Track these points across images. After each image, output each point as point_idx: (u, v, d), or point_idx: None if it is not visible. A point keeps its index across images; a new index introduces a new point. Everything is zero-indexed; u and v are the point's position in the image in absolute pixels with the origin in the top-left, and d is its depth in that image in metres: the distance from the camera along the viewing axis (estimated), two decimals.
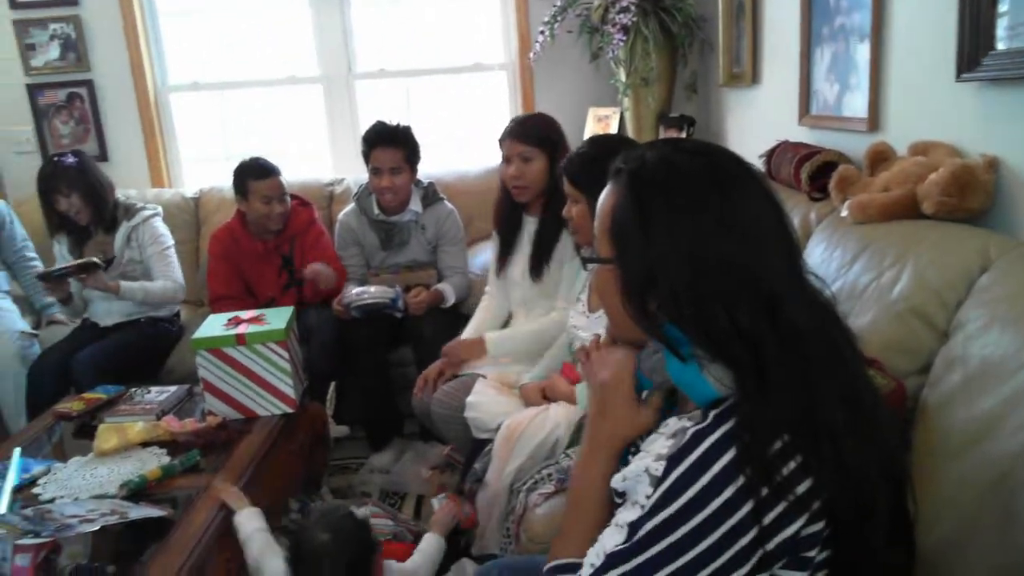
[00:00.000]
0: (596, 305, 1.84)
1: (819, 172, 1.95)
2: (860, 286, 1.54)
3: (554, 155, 2.18)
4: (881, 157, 1.76)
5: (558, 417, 1.84)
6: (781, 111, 2.43)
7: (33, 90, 3.62)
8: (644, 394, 0.97)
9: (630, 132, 3.23)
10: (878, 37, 1.82)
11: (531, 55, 3.26)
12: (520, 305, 2.35)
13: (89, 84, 3.62)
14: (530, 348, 2.19)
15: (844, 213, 1.71)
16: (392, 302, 2.68)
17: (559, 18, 3.16)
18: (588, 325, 1.85)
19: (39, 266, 3.08)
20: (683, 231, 0.82)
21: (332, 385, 2.50)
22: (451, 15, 3.71)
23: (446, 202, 2.95)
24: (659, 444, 0.85)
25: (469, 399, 2.05)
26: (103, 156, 3.64)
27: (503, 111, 3.76)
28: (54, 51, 3.59)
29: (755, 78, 2.68)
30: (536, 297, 2.27)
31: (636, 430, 0.96)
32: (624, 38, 2.92)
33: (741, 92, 2.88)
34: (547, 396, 1.95)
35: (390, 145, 2.74)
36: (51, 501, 1.74)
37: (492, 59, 3.75)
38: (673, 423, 0.86)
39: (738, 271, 0.81)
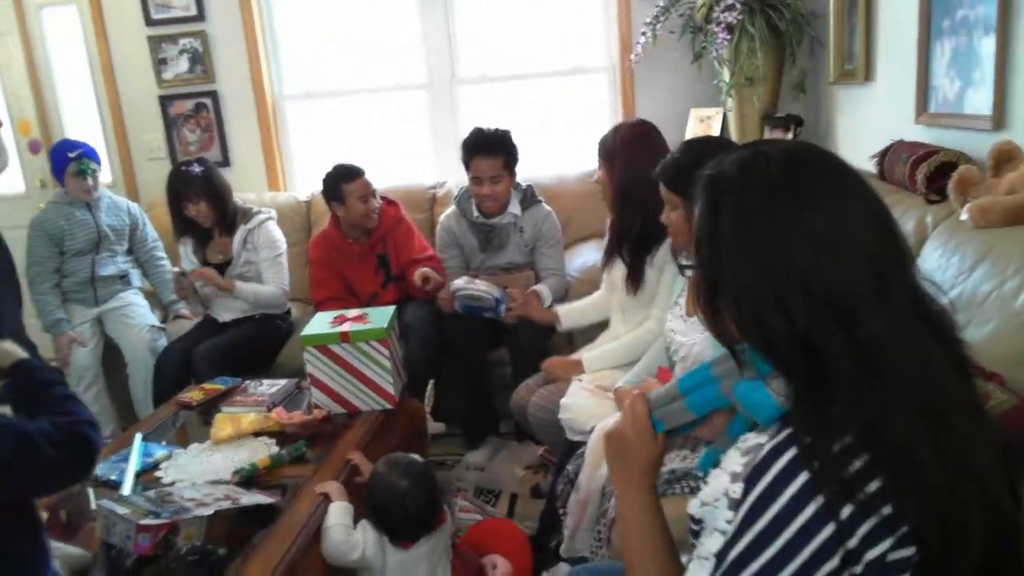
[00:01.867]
0: (693, 309, 1.81)
1: (937, 173, 1.84)
2: (981, 295, 1.45)
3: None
4: (1006, 157, 1.64)
5: None
6: (896, 109, 2.30)
7: (164, 101, 3.89)
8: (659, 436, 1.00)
9: (733, 133, 3.16)
10: (1005, 29, 1.71)
11: (632, 57, 3.23)
12: (618, 311, 2.33)
13: (214, 95, 3.87)
14: (625, 360, 2.19)
15: (964, 217, 1.62)
16: (496, 303, 2.68)
17: (661, 19, 3.12)
18: (686, 329, 1.82)
19: (167, 266, 3.32)
20: (751, 236, 0.80)
21: (431, 382, 2.57)
22: (552, 19, 3.73)
23: (544, 204, 2.98)
24: (733, 461, 0.83)
25: (563, 400, 2.06)
26: (225, 162, 3.87)
27: (603, 114, 3.75)
28: (183, 64, 3.85)
29: (868, 75, 2.56)
30: (634, 307, 2.25)
31: (656, 457, 1.00)
32: (729, 37, 2.85)
33: (853, 90, 2.75)
34: None
35: (489, 154, 2.78)
36: (171, 484, 1.86)
37: (593, 62, 3.75)
38: (752, 437, 0.84)
39: (807, 280, 0.77)
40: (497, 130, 2.83)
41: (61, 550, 1.60)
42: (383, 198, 3.02)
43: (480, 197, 2.84)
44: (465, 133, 2.91)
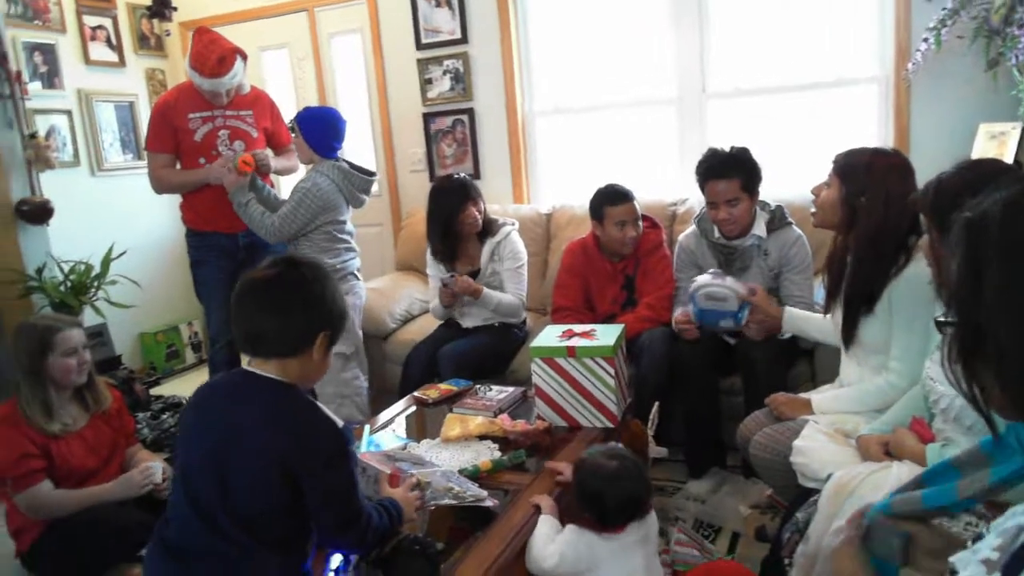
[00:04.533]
0: None
1: None
2: None
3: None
4: None
5: (901, 478, 1.60)
6: None
7: (427, 117, 4.23)
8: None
9: None
10: None
11: (910, 66, 2.91)
12: (849, 352, 2.09)
13: (470, 112, 4.12)
14: (859, 409, 1.96)
15: None
16: (739, 309, 2.48)
17: (948, 22, 2.77)
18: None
19: None
20: (1018, 289, 0.67)
21: (656, 404, 2.50)
22: (814, 28, 3.48)
23: (794, 227, 2.76)
24: (987, 545, 0.68)
25: (797, 443, 1.89)
26: (477, 175, 4.11)
27: (869, 129, 3.42)
28: (446, 84, 4.15)
29: None
30: (866, 351, 2.01)
31: None
32: None
33: None
34: (890, 452, 1.71)
35: (723, 176, 2.64)
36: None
37: (860, 73, 3.43)
38: (1009, 516, 0.69)
39: None
40: (733, 149, 2.67)
41: None
42: (647, 219, 3.00)
43: (717, 221, 2.72)
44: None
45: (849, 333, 2.00)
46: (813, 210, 2.11)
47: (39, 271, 3.47)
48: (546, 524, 1.74)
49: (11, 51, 3.60)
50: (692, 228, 2.92)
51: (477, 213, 3.15)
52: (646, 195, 3.46)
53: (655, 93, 3.82)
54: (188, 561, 1.40)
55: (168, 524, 1.44)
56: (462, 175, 3.24)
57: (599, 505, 1.69)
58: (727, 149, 2.68)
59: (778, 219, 2.75)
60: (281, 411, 1.40)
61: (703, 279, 2.53)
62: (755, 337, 2.50)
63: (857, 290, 1.95)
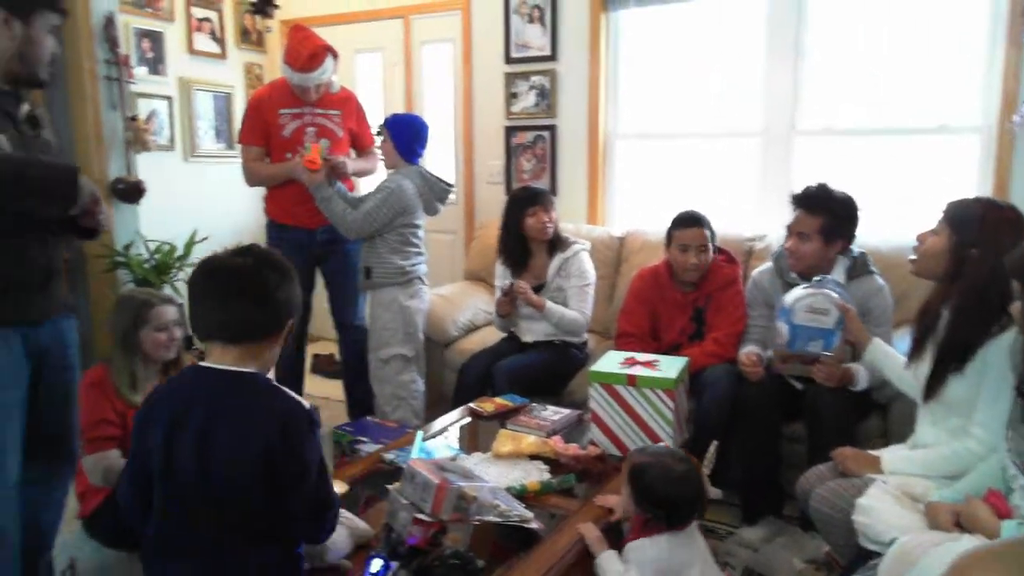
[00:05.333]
0: None
1: None
2: None
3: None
4: None
5: None
6: None
7: (509, 131, 4.25)
8: None
9: None
10: None
11: (1016, 118, 2.77)
12: (926, 412, 1.99)
13: (552, 128, 4.12)
14: (933, 473, 1.86)
15: None
16: (835, 327, 2.36)
17: None
18: None
19: None
20: None
21: (714, 444, 2.43)
22: (916, 72, 3.35)
23: (877, 277, 2.64)
24: None
25: (861, 501, 1.80)
26: (553, 191, 4.10)
27: (966, 180, 3.27)
28: (530, 99, 4.16)
29: None
30: (944, 413, 1.91)
31: None
32: None
33: None
34: (960, 523, 1.62)
35: (807, 210, 2.57)
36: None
37: (962, 121, 3.29)
38: None
39: None
40: (820, 187, 2.60)
41: (351, 521, 1.79)
42: (724, 254, 2.95)
43: (785, 249, 2.65)
44: (796, 186, 2.72)
45: (933, 388, 1.90)
46: (913, 257, 2.03)
47: (127, 248, 3.63)
48: (611, 560, 1.73)
49: (122, 36, 3.79)
50: (768, 265, 2.84)
51: (547, 220, 3.15)
52: (724, 228, 3.39)
53: (742, 125, 3.75)
54: (183, 557, 1.44)
55: (154, 524, 1.47)
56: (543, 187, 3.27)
57: (669, 507, 1.71)
58: (829, 189, 2.59)
59: (860, 266, 2.65)
60: (248, 401, 1.44)
61: (799, 291, 2.45)
62: (826, 382, 2.41)
63: (953, 344, 1.86)
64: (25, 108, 1.92)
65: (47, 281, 1.90)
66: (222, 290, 1.47)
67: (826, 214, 2.54)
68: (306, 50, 3.13)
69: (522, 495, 1.91)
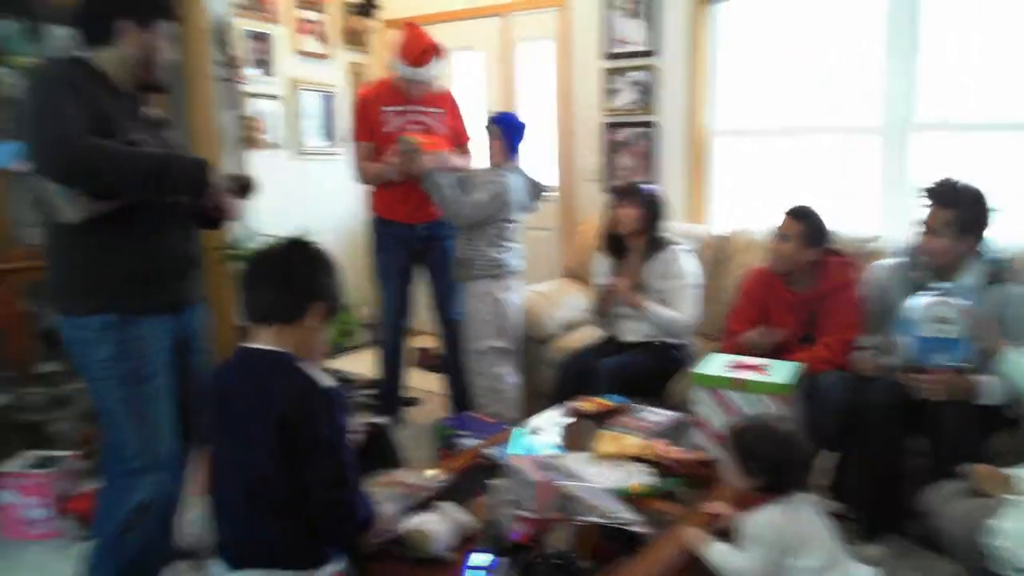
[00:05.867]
0: None
1: None
2: None
3: None
4: None
5: None
6: None
7: (607, 128, 4.19)
8: None
9: None
10: None
11: None
12: None
13: (652, 125, 4.04)
14: None
15: None
16: (956, 343, 2.25)
17: None
18: None
19: None
20: None
21: (834, 457, 2.31)
22: None
23: (1018, 285, 2.45)
24: None
25: (997, 523, 1.67)
26: None
27: None
28: (629, 95, 4.09)
29: None
30: None
31: None
32: None
33: None
34: None
35: (940, 204, 2.43)
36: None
37: None
38: None
39: None
40: (958, 183, 2.44)
41: (455, 513, 1.79)
42: (840, 256, 2.83)
43: (918, 245, 2.51)
44: (915, 185, 2.57)
45: None
46: None
47: (239, 241, 3.77)
48: (726, 552, 1.68)
49: (234, 39, 3.94)
50: (890, 261, 2.70)
51: (633, 215, 3.08)
52: (839, 228, 3.24)
53: (855, 121, 3.56)
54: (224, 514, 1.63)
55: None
56: (652, 186, 3.22)
57: (773, 469, 1.67)
58: (960, 182, 2.45)
59: (1000, 272, 2.46)
60: (275, 376, 1.55)
61: (921, 300, 2.32)
62: (933, 396, 2.27)
63: None
64: (154, 111, 2.06)
65: (189, 269, 2.06)
66: (255, 275, 1.64)
67: (958, 207, 2.39)
68: (419, 46, 3.22)
69: (625, 497, 1.87)
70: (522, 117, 3.29)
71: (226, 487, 1.62)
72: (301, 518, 1.55)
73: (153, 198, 1.89)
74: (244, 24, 4.29)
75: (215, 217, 2.10)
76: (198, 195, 1.95)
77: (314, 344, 1.64)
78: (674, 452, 2.09)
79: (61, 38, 3.24)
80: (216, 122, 3.78)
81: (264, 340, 1.60)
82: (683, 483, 1.99)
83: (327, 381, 1.58)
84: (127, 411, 1.94)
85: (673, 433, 2.32)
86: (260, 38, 4.42)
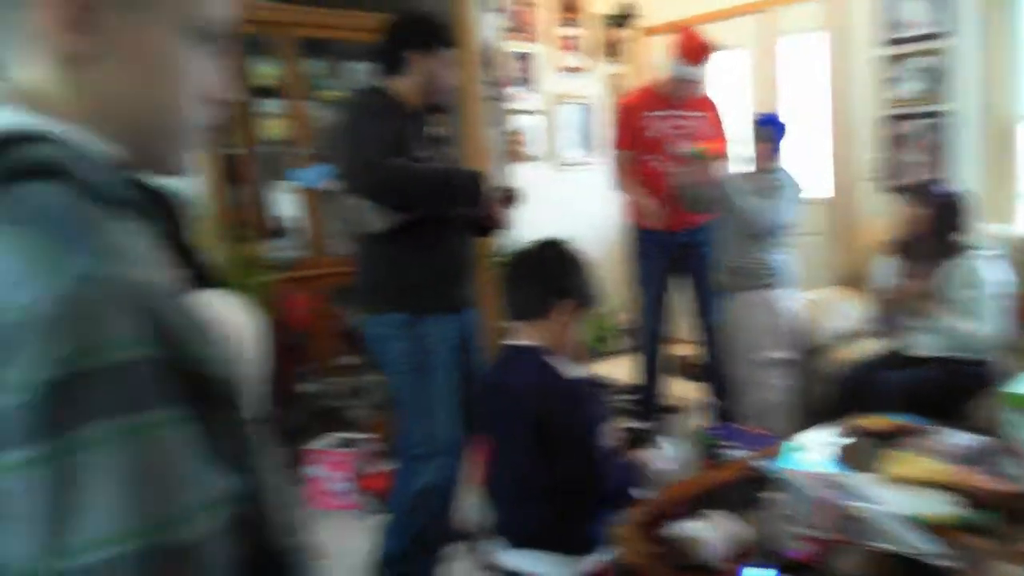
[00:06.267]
0: None
1: None
2: None
3: None
4: None
5: None
6: None
7: (889, 121, 3.80)
8: None
9: None
10: None
11: None
12: None
13: (940, 115, 3.60)
14: None
15: None
16: None
17: None
18: None
19: None
20: None
21: None
22: None
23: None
24: None
25: None
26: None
27: None
28: (912, 84, 3.69)
29: None
30: None
31: None
32: None
33: None
34: None
35: None
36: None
37: None
38: None
39: None
40: None
41: (726, 522, 1.73)
42: None
43: None
44: None
45: None
46: None
47: (503, 250, 3.99)
48: None
49: (501, 60, 4.19)
50: None
51: (924, 216, 2.80)
52: None
53: None
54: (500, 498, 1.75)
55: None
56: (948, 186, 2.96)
57: None
58: None
59: None
60: (524, 370, 1.65)
61: None
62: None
63: None
64: (437, 129, 2.28)
65: (467, 274, 2.27)
66: (511, 275, 1.77)
67: None
68: (698, 43, 3.24)
69: (924, 526, 1.67)
70: (784, 116, 3.16)
71: (498, 475, 1.73)
72: (564, 505, 1.61)
73: (440, 209, 2.11)
74: (510, 46, 4.55)
75: (487, 226, 2.28)
76: (474, 204, 2.12)
77: (566, 339, 1.70)
78: (985, 481, 1.83)
79: (358, 72, 3.67)
80: (485, 139, 4.04)
81: (522, 336, 1.69)
82: (997, 516, 1.73)
83: (572, 372, 1.64)
84: (414, 401, 2.14)
85: (980, 459, 2.04)
86: (523, 58, 4.65)
